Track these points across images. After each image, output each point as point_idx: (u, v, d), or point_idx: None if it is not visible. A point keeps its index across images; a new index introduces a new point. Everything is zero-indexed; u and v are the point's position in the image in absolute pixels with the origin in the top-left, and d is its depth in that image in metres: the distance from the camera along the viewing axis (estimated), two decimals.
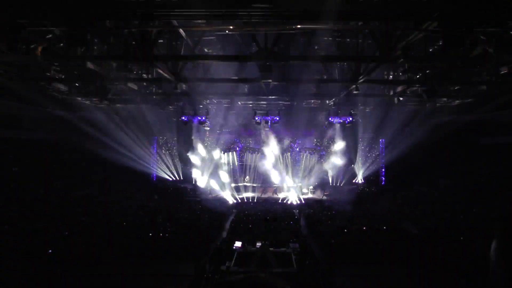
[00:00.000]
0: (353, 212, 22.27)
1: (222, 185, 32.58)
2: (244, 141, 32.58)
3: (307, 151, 32.57)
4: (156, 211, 23.21)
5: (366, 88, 21.09)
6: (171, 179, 32.75)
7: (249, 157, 34.17)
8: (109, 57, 14.67)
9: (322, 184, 31.70)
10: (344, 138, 28.81)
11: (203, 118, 25.16)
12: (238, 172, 34.58)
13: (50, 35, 11.52)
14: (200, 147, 32.57)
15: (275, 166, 33.78)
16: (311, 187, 32.00)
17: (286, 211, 23.27)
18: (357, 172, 32.65)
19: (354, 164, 29.32)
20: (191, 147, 28.42)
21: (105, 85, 16.16)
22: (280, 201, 28.04)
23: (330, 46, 18.09)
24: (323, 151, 33.05)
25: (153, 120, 30.30)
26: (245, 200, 28.24)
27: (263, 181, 33.71)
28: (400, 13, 9.22)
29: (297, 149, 32.96)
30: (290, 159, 34.34)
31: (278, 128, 29.01)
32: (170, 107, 25.62)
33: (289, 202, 27.69)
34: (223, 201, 27.28)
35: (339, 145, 30.49)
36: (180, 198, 29.06)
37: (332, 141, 32.82)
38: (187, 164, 32.05)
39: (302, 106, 25.67)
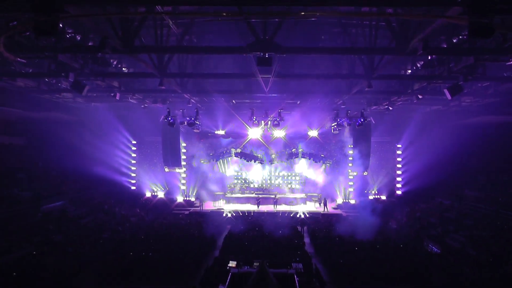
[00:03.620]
0: (365, 228, 22.27)
1: (214, 196, 32.84)
2: (239, 145, 32.66)
3: (312, 158, 32.66)
4: (138, 226, 23.16)
5: (380, 85, 21.17)
6: (155, 189, 32.83)
7: (246, 164, 34.30)
8: (83, 49, 14.65)
9: (328, 196, 31.73)
10: (355, 141, 28.93)
11: (192, 119, 25.31)
12: (233, 181, 34.75)
13: (15, 23, 11.41)
14: (188, 152, 33.24)
15: (273, 173, 34.25)
16: (316, 199, 32.18)
17: (288, 226, 23.22)
18: (369, 181, 32.77)
19: (366, 171, 29.35)
20: (177, 153, 28.48)
21: (79, 80, 16.09)
22: (281, 214, 27.95)
23: (338, 37, 18.18)
24: (330, 157, 33.15)
25: (135, 121, 30.54)
26: (241, 213, 28.19)
27: (262, 191, 33.99)
28: None
29: (300, 154, 32.99)
30: (291, 166, 34.69)
31: (279, 129, 29.16)
32: (155, 106, 25.63)
33: (296, 216, 27.67)
34: (215, 214, 27.23)
35: (350, 149, 30.78)
36: (166, 211, 29.17)
37: (340, 145, 33.18)
38: (173, 172, 32.15)
39: (306, 106, 25.81)
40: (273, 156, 33.03)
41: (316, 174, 33.85)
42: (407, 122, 30.22)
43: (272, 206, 30.95)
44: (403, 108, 26.44)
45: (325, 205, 30.09)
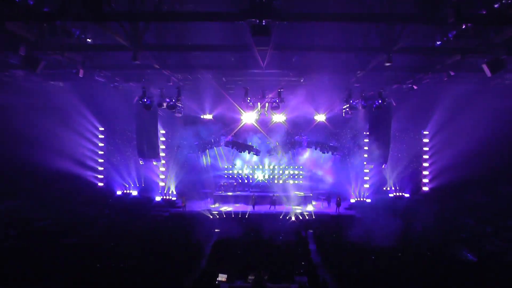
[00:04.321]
0: (384, 231, 22.41)
1: (201, 195, 33.06)
2: (231, 133, 32.66)
3: (318, 147, 32.74)
4: (107, 231, 23.22)
5: (402, 60, 21.13)
6: (128, 186, 32.93)
7: (238, 156, 34.54)
8: (38, 15, 14.48)
9: (337, 193, 31.85)
10: (372, 128, 29.05)
11: (173, 100, 25.34)
12: (224, 176, 35.03)
13: None
14: (168, 141, 33.49)
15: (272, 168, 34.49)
16: (324, 197, 32.49)
17: (291, 230, 23.35)
18: (389, 176, 33.05)
19: (385, 164, 29.44)
20: (155, 142, 28.47)
21: (33, 54, 15.94)
22: (281, 216, 28.09)
23: (349, 3, 18.06)
24: (340, 147, 33.27)
25: (102, 104, 30.47)
26: (233, 215, 28.30)
27: (259, 188, 34.27)
28: None
29: (305, 144, 33.08)
30: (294, 158, 34.95)
31: (278, 113, 29.34)
32: (127, 85, 25.53)
33: (291, 219, 27.81)
34: (201, 216, 27.34)
35: (365, 137, 30.88)
36: (142, 213, 29.27)
37: (353, 132, 33.39)
38: (150, 165, 32.23)
39: (312, 84, 25.80)
40: (272, 145, 33.20)
41: (324, 167, 34.15)
42: (435, 105, 30.26)
43: (271, 206, 31.10)
44: (431, 88, 26.37)
45: (338, 204, 30.27)
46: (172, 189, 33.08)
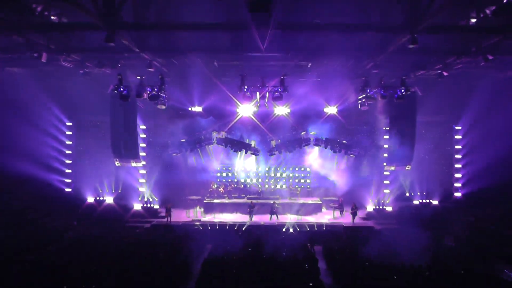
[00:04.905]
0: (409, 245, 22.36)
1: (188, 202, 32.98)
2: (224, 128, 32.55)
3: (329, 145, 32.69)
4: (76, 246, 23.13)
5: (429, 41, 21.07)
6: (101, 191, 32.86)
7: (233, 156, 34.53)
8: None
9: (352, 201, 31.67)
10: (393, 122, 29.03)
11: (156, 90, 25.25)
12: (216, 180, 35.04)
13: None
14: (150, 138, 33.49)
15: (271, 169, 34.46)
16: (336, 205, 32.41)
17: (296, 245, 23.30)
18: (413, 179, 32.96)
19: (410, 165, 29.32)
20: (133, 140, 28.39)
21: None
22: (285, 228, 28.05)
23: None
24: (355, 145, 33.18)
25: (70, 94, 30.37)
26: (228, 227, 28.25)
27: (257, 194, 34.25)
28: None
29: (313, 142, 32.98)
30: (299, 158, 35.03)
31: (281, 104, 29.25)
32: (100, 72, 25.40)
33: (296, 230, 27.82)
34: (189, 229, 27.30)
35: (384, 133, 30.84)
36: (117, 224, 29.30)
37: (371, 127, 33.50)
38: (128, 167, 32.08)
39: (321, 70, 25.77)
40: (273, 143, 33.08)
41: (336, 169, 34.25)
42: (469, 95, 30.13)
43: (272, 215, 31.00)
44: (464, 75, 26.23)
45: (353, 214, 30.20)
46: (154, 195, 33.06)
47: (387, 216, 30.87)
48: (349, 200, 31.69)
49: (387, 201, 32.84)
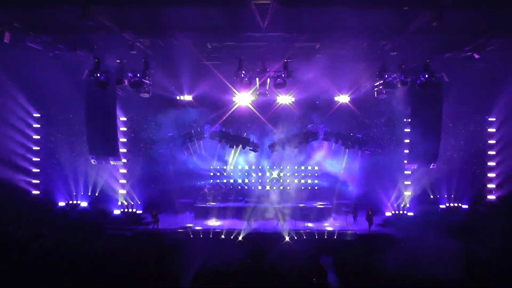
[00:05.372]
0: (434, 256, 22.35)
1: (177, 207, 33.06)
2: (218, 120, 32.53)
3: (340, 140, 32.67)
4: (46, 257, 23.10)
5: (459, 18, 21.02)
6: (74, 194, 32.85)
7: (229, 153, 34.56)
8: None
9: (367, 205, 31.71)
10: (415, 113, 29.01)
11: (138, 76, 25.23)
12: (209, 181, 35.15)
13: None
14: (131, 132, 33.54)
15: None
16: (345, 209, 32.43)
17: (303, 255, 23.32)
18: (439, 179, 32.86)
19: (435, 163, 29.25)
20: (112, 135, 28.34)
21: None
22: (290, 234, 28.10)
23: None
24: (371, 140, 33.19)
25: (39, 82, 30.27)
26: (223, 235, 28.27)
27: (257, 197, 34.32)
28: None
29: (322, 136, 33.02)
30: (306, 155, 35.12)
31: (284, 92, 29.37)
32: (73, 55, 25.36)
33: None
34: (179, 237, 27.35)
35: (405, 126, 30.82)
36: (94, 232, 29.09)
37: (389, 119, 33.41)
38: (106, 166, 32.05)
39: (331, 53, 25.59)
40: (276, 138, 33.20)
41: (349, 168, 34.27)
42: (505, 82, 30.06)
43: (275, 221, 31.11)
44: (499, 58, 26.14)
45: (368, 220, 30.20)
46: (137, 199, 33.17)
47: (409, 223, 30.80)
48: (364, 204, 31.92)
49: (408, 205, 32.87)
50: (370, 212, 30.07)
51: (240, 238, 27.90)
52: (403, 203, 32.80)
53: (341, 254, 24.24)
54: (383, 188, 33.19)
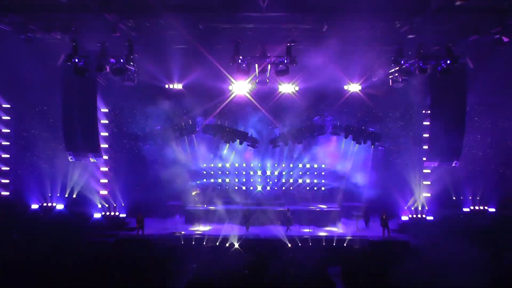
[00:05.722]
0: (458, 266, 22.31)
1: (166, 210, 33.24)
2: (212, 112, 32.44)
3: (350, 134, 32.57)
4: (15, 269, 23.01)
5: None
6: (49, 195, 32.75)
7: (224, 148, 34.58)
8: None
9: (380, 208, 31.48)
10: (435, 104, 29.02)
11: (121, 61, 25.06)
12: (202, 180, 35.23)
13: None
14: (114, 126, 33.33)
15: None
16: (356, 212, 32.31)
17: (309, 265, 23.27)
18: (461, 180, 32.85)
19: (457, 161, 29.16)
20: (92, 128, 28.25)
21: None
22: (293, 241, 28.04)
23: None
24: (385, 134, 33.07)
25: (8, 68, 30.11)
26: (218, 243, 28.19)
27: (256, 199, 34.40)
28: None
29: (329, 129, 32.92)
30: (310, 151, 35.05)
31: (287, 80, 29.38)
32: (48, 37, 25.26)
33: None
34: (167, 244, 27.26)
35: (423, 119, 30.70)
36: (71, 239, 28.94)
37: (405, 111, 33.30)
38: (85, 163, 31.95)
39: (341, 35, 25.53)
40: (278, 132, 33.12)
41: (359, 166, 34.31)
42: None
43: (276, 226, 31.02)
44: None
45: (383, 225, 29.95)
46: (121, 200, 33.11)
47: (428, 228, 30.68)
48: (377, 207, 31.82)
49: (427, 208, 32.75)
50: (384, 216, 29.90)
51: (236, 245, 27.80)
52: (422, 206, 32.66)
53: (351, 264, 24.28)
54: (398, 189, 33.04)
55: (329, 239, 28.64)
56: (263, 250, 26.06)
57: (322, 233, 29.92)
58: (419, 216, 32.37)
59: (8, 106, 33.37)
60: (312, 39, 25.95)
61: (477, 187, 32.95)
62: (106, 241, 29.05)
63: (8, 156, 33.54)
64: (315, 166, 35.05)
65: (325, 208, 32.69)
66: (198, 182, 34.97)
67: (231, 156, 34.92)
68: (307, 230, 30.66)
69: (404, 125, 33.36)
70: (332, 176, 34.84)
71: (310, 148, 34.26)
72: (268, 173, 35.01)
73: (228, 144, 33.48)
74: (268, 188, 34.85)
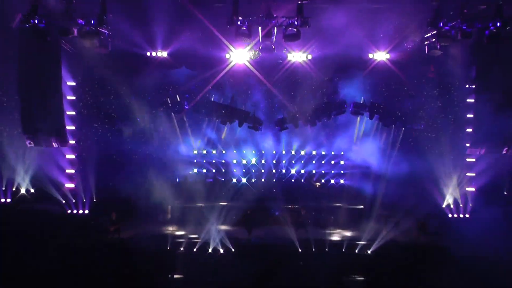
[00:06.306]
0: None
1: (149, 207, 32.89)
2: (206, 87, 32.30)
3: (376, 114, 32.63)
4: None
5: None
6: (3, 189, 32.72)
7: (221, 131, 34.63)
8: None
9: (413, 205, 31.55)
10: (482, 77, 28.96)
11: (93, 23, 24.74)
12: (192, 170, 35.31)
13: None
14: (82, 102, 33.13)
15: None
16: (383, 211, 32.35)
17: (322, 278, 23.23)
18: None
19: (510, 147, 29.04)
20: (56, 106, 28.10)
21: None
22: (306, 246, 27.96)
23: None
24: (418, 115, 33.00)
25: None
26: (209, 248, 28.06)
27: (260, 194, 34.20)
28: None
29: (350, 108, 32.83)
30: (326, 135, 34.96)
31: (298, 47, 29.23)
32: None
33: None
34: (148, 250, 27.11)
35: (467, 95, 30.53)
36: (30, 242, 28.58)
37: (444, 85, 33.00)
38: (47, 150, 31.76)
39: None
40: (286, 111, 33.12)
41: (386, 154, 34.39)
42: None
43: (289, 228, 30.74)
44: None
45: (417, 227, 30.22)
46: (92, 196, 33.13)
47: (472, 230, 30.32)
48: (409, 205, 31.51)
49: (472, 205, 32.66)
50: (418, 217, 30.01)
51: (234, 251, 27.87)
52: (464, 203, 32.52)
53: (377, 275, 24.33)
54: (435, 183, 32.91)
55: (350, 244, 28.50)
56: (269, 258, 25.94)
57: (341, 236, 29.95)
58: (461, 215, 32.26)
59: None
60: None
61: None
62: (73, 246, 28.84)
63: None
64: (332, 153, 34.87)
65: (345, 206, 32.60)
66: (190, 173, 34.75)
67: (229, 140, 34.70)
68: (323, 232, 30.49)
69: (442, 104, 33.09)
70: (354, 167, 34.68)
71: (326, 131, 34.04)
72: (274, 162, 34.89)
73: (226, 126, 33.30)
74: (274, 180, 34.74)
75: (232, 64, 30.56)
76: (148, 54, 31.14)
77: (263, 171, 35.15)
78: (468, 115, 32.13)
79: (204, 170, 35.40)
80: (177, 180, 34.71)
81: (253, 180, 35.14)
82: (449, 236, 30.12)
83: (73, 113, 32.63)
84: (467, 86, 31.76)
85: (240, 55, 29.83)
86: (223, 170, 35.44)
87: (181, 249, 27.52)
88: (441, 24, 25.16)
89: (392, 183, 33.56)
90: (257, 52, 28.91)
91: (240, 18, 24.89)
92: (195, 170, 34.94)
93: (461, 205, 32.50)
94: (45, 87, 27.63)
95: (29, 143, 29.16)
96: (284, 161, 35.26)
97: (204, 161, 35.48)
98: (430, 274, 23.53)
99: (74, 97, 32.88)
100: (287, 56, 30.32)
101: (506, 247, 25.13)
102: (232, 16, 24.60)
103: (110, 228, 29.73)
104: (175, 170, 34.25)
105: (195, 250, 27.73)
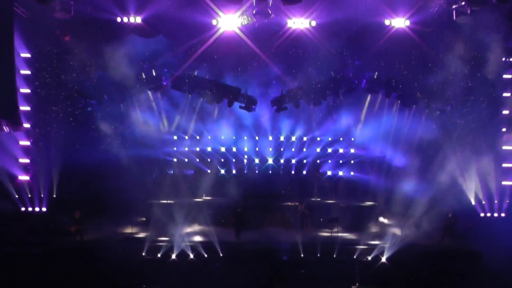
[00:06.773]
0: None
1: (119, 204, 32.37)
2: (189, 60, 31.89)
3: (393, 93, 32.27)
4: None
5: None
6: None
7: (207, 112, 34.33)
8: None
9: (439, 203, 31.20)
10: None
11: None
12: (172, 160, 34.99)
13: None
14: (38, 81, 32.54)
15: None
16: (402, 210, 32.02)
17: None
18: None
19: None
20: (9, 84, 27.68)
21: None
22: (310, 251, 27.61)
23: None
24: (448, 96, 32.61)
25: None
26: (192, 254, 27.70)
27: (253, 189, 33.99)
28: None
29: (363, 84, 32.46)
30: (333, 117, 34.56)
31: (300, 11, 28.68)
32: None
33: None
34: (118, 258, 26.68)
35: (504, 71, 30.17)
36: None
37: (474, 60, 32.48)
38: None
39: None
40: (285, 89, 32.59)
41: (405, 142, 34.09)
42: None
43: (288, 228, 30.76)
44: None
45: (443, 228, 30.05)
46: (55, 190, 32.64)
47: (510, 231, 30.16)
48: (432, 202, 31.36)
49: (508, 202, 32.33)
50: (443, 216, 29.72)
51: (222, 255, 27.65)
52: (500, 200, 32.19)
53: (395, 284, 24.03)
54: (464, 176, 32.49)
55: (363, 248, 28.29)
56: (264, 265, 25.70)
57: (351, 240, 29.76)
58: (495, 214, 31.97)
59: None
60: None
61: None
62: (29, 252, 28.44)
63: None
64: (341, 140, 34.53)
65: (356, 204, 32.32)
66: (162, 162, 34.49)
67: (216, 124, 34.42)
68: (331, 234, 30.28)
69: (472, 79, 32.66)
70: (366, 157, 34.45)
71: (333, 113, 33.69)
72: (271, 149, 34.53)
73: (214, 106, 32.97)
74: (270, 171, 34.47)
75: (220, 31, 30.11)
76: (119, 20, 30.52)
77: (257, 161, 34.66)
78: (505, 94, 31.80)
79: (186, 160, 34.76)
80: (153, 176, 34.12)
81: (245, 172, 34.58)
82: (480, 239, 29.78)
83: (28, 91, 32.15)
84: (503, 59, 31.22)
85: (229, 21, 29.38)
86: (208, 160, 34.75)
87: (158, 255, 27.16)
88: None
89: (410, 176, 33.35)
90: (250, 17, 28.43)
91: None
92: (175, 160, 34.33)
93: (495, 202, 32.10)
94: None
95: None
96: (282, 149, 34.79)
97: (186, 148, 34.79)
98: (457, 285, 23.25)
99: (29, 72, 32.37)
100: (287, 22, 29.82)
101: None
102: None
103: (71, 229, 29.28)
104: (152, 159, 33.84)
105: (174, 256, 27.37)
